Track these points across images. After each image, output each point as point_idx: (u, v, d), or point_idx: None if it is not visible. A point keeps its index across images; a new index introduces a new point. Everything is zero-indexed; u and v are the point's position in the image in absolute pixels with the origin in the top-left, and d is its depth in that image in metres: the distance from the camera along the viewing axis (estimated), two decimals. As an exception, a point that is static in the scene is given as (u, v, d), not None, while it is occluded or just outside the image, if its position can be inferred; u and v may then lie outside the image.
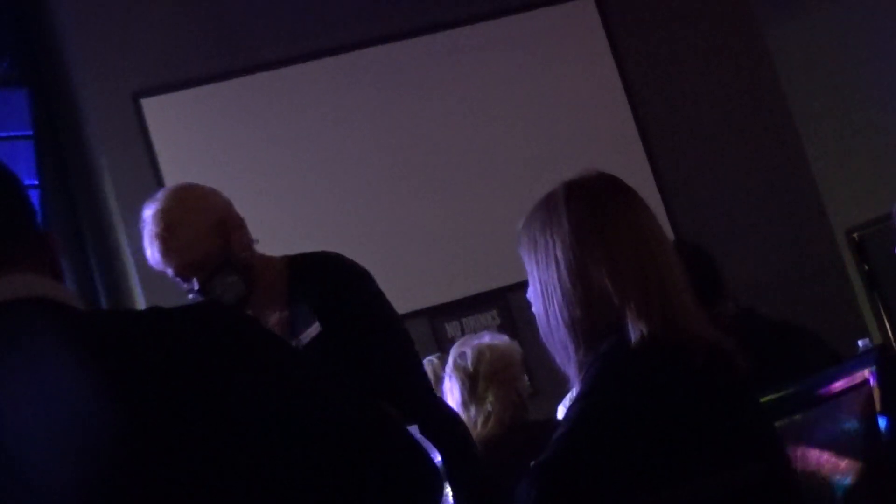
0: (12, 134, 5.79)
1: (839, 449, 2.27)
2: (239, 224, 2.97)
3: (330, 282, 2.95)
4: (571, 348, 2.10)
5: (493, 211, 5.82)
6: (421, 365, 3.08)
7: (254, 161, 5.64)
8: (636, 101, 6.20)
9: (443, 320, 5.79)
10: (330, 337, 2.85)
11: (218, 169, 5.30)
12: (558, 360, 2.16)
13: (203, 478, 1.38)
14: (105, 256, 5.78)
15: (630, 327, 2.05)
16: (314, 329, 2.87)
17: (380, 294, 2.99)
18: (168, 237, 2.91)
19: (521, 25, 6.13)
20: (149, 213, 2.96)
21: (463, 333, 5.67)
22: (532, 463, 2.03)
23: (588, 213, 2.14)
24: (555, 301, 2.12)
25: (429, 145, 5.92)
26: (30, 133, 5.77)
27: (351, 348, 2.83)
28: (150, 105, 5.69)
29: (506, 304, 5.81)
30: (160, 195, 3.01)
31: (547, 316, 2.14)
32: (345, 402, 1.51)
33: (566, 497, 1.99)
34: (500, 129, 6.01)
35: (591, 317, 2.08)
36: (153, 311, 1.52)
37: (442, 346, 5.20)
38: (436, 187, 5.90)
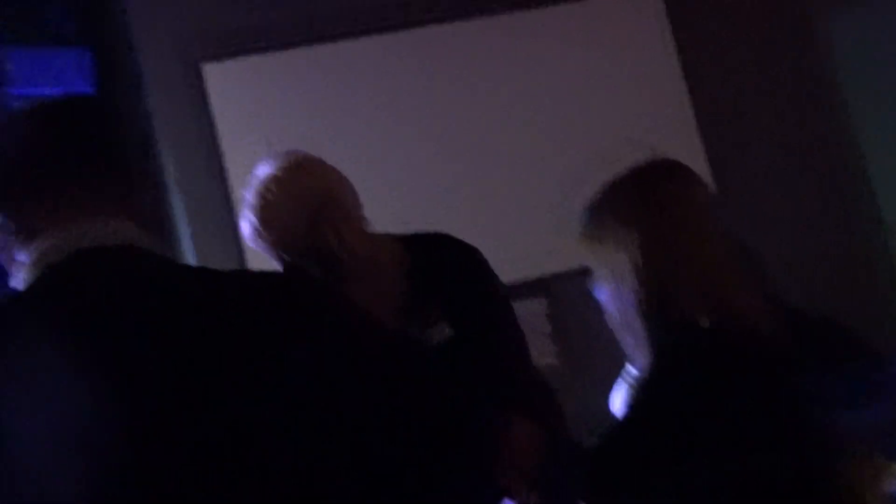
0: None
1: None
2: (343, 212, 2.89)
3: (456, 270, 2.90)
4: (640, 335, 2.10)
5: (544, 197, 5.79)
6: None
7: (312, 133, 5.64)
8: (694, 91, 6.14)
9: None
10: (461, 338, 2.79)
11: (276, 138, 5.29)
12: (626, 347, 2.16)
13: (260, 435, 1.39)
14: (157, 221, 5.80)
15: (695, 316, 2.04)
16: (442, 330, 2.80)
17: (497, 281, 2.97)
18: (263, 215, 2.86)
19: (580, 10, 6.09)
20: (255, 180, 2.92)
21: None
22: (595, 442, 2.04)
23: (657, 198, 2.13)
24: (624, 286, 2.11)
25: (485, 128, 5.90)
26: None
27: (479, 342, 2.79)
28: (211, 71, 5.70)
29: (553, 292, 5.78)
30: (273, 163, 2.96)
31: (615, 301, 2.14)
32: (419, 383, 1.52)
33: (624, 482, 1.99)
34: (554, 114, 5.97)
35: (658, 303, 2.08)
36: (239, 271, 1.55)
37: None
38: (488, 170, 5.87)
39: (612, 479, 2.00)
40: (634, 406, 2.10)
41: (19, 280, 1.50)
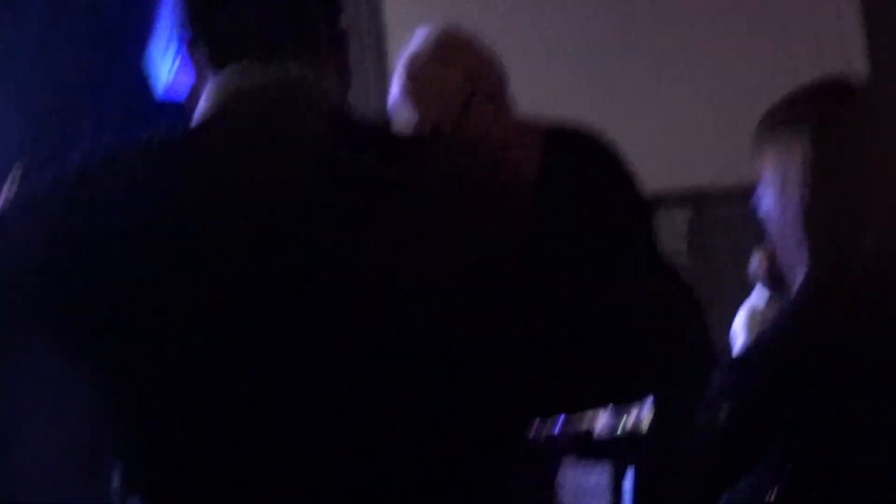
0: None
1: None
2: (488, 91, 2.84)
3: (595, 179, 2.83)
4: (802, 251, 2.07)
5: (705, 109, 5.71)
6: None
7: (483, 12, 5.59)
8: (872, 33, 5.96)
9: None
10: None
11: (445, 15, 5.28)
12: (784, 262, 2.13)
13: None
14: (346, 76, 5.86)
15: (869, 236, 2.01)
16: None
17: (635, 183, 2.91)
18: (410, 87, 2.76)
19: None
20: (412, 44, 2.83)
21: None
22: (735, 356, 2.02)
23: (833, 115, 2.10)
24: (792, 201, 2.08)
25: (654, 28, 5.82)
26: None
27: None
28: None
29: (699, 206, 5.72)
30: (424, 34, 2.88)
31: (783, 215, 2.11)
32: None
33: (761, 393, 1.98)
34: (726, 31, 5.86)
35: (831, 216, 2.05)
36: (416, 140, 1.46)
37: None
38: (650, 72, 5.80)
39: (751, 392, 1.98)
40: (780, 324, 2.06)
41: (198, 112, 1.45)
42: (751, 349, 2.07)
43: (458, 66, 2.78)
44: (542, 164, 1.52)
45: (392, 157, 1.38)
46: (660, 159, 5.62)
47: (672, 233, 5.70)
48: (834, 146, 2.04)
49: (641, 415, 2.95)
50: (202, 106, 1.44)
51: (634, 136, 5.47)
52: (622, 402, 1.49)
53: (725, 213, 5.64)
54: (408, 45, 2.83)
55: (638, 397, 1.64)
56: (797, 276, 2.07)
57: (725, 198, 5.63)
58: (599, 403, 1.51)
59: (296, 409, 1.28)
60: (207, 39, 1.46)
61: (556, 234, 1.40)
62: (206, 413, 1.29)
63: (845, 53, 5.81)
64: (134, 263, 1.31)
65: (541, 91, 3.22)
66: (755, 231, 3.35)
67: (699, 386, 1.79)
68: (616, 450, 2.62)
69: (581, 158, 2.79)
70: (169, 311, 1.30)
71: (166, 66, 1.50)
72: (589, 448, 2.43)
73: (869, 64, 5.83)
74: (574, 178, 2.53)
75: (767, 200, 2.13)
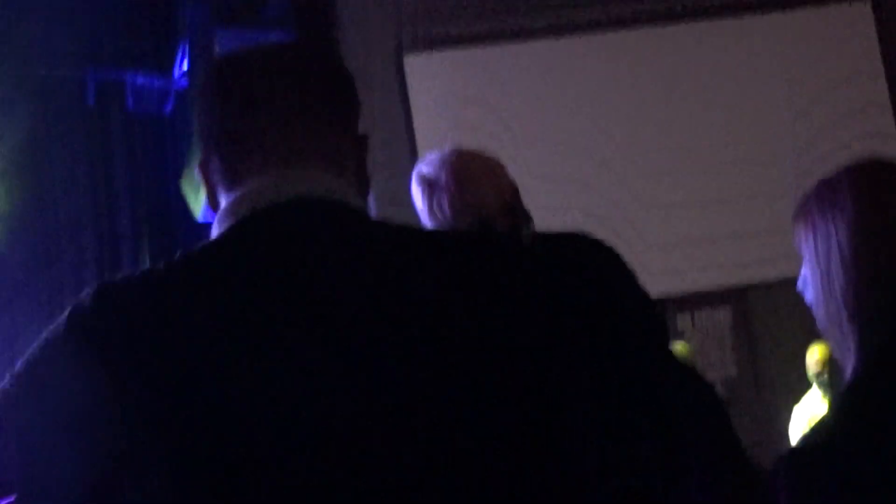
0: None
1: None
2: (527, 212, 2.82)
3: (593, 272, 2.80)
4: (852, 337, 2.04)
5: (739, 206, 5.68)
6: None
7: (507, 129, 5.63)
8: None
9: (675, 311, 5.68)
10: None
11: (471, 134, 5.32)
12: (837, 352, 2.10)
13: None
14: (365, 183, 5.88)
15: None
16: None
17: (639, 284, 2.86)
18: (471, 183, 2.71)
19: (788, 20, 5.94)
20: (439, 162, 2.78)
21: (694, 328, 5.56)
22: (789, 449, 1.98)
23: (874, 196, 2.07)
24: (837, 285, 2.05)
25: (682, 133, 5.81)
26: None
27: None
28: (412, 62, 5.75)
29: (744, 302, 5.66)
30: (452, 149, 2.85)
31: (826, 303, 2.07)
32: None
33: (818, 487, 1.93)
34: (754, 123, 5.84)
35: (874, 302, 2.02)
36: (466, 235, 1.41)
37: (672, 338, 5.12)
38: (682, 176, 5.78)
39: (811, 481, 1.93)
40: (838, 409, 2.01)
41: (217, 226, 1.38)
42: (806, 446, 2.02)
43: (502, 173, 2.78)
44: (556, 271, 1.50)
45: (437, 253, 1.34)
46: (701, 258, 5.60)
47: (716, 329, 5.64)
48: (877, 228, 2.02)
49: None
50: (221, 224, 1.39)
51: (678, 237, 5.42)
52: None
53: (770, 308, 5.59)
54: (425, 164, 2.83)
55: None
56: (848, 369, 2.03)
57: (768, 292, 5.58)
58: None
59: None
60: (221, 154, 1.42)
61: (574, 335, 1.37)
62: None
63: (877, 130, 5.79)
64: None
65: (573, 198, 3.22)
66: (802, 323, 3.28)
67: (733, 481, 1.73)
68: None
69: (589, 264, 2.76)
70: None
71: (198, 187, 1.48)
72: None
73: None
74: (584, 282, 2.48)
75: (811, 288, 2.09)
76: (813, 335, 5.45)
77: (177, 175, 5.20)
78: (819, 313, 2.07)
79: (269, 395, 1.24)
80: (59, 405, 1.30)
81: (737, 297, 5.67)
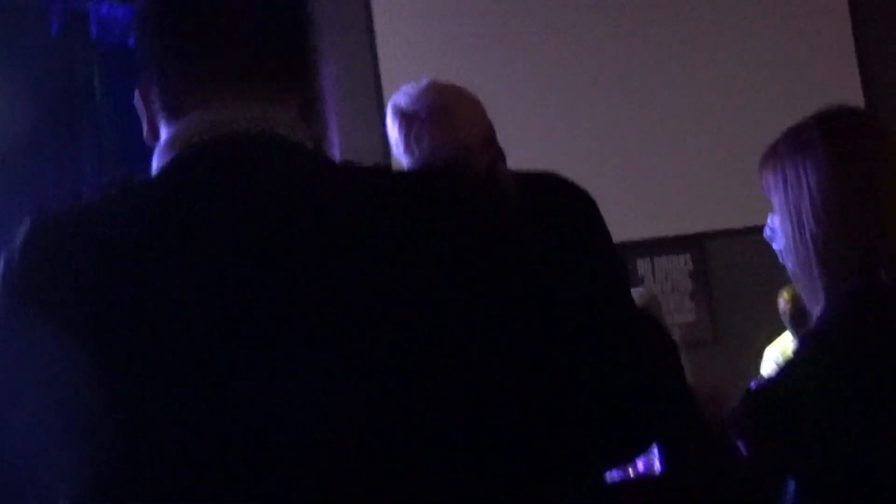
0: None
1: None
2: (500, 150, 2.78)
3: (564, 215, 2.80)
4: (820, 283, 2.05)
5: (700, 155, 5.71)
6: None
7: (476, 69, 5.60)
8: (866, 59, 5.96)
9: (634, 257, 5.72)
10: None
11: (438, 75, 5.28)
12: (806, 297, 2.11)
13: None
14: (317, 116, 5.84)
15: (883, 267, 1.99)
16: None
17: (607, 230, 2.85)
18: (447, 115, 2.61)
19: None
20: (416, 95, 2.64)
21: (654, 274, 5.60)
22: (751, 385, 1.99)
23: (846, 143, 2.08)
24: (807, 232, 2.06)
25: (648, 79, 5.82)
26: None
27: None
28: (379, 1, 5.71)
29: (701, 250, 5.71)
30: (429, 83, 2.78)
31: (796, 248, 2.08)
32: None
33: (780, 427, 1.95)
34: (723, 76, 5.86)
35: (845, 250, 2.03)
36: (418, 174, 1.38)
37: (631, 283, 5.15)
38: (646, 121, 5.80)
39: (773, 420, 1.94)
40: (796, 352, 2.03)
41: (157, 159, 1.35)
42: (767, 387, 2.04)
43: (480, 110, 2.74)
44: (526, 209, 1.47)
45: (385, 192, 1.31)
46: (661, 205, 5.63)
47: (676, 275, 5.68)
48: (848, 176, 2.03)
49: (651, 459, 2.93)
50: (161, 157, 1.36)
51: (634, 183, 5.47)
52: (625, 457, 1.42)
53: (729, 256, 5.63)
54: (402, 95, 2.77)
55: (640, 450, 1.58)
56: (815, 314, 2.05)
57: (728, 240, 5.63)
58: (604, 462, 1.43)
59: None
60: (162, 84, 1.38)
61: (540, 269, 1.34)
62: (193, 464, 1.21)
63: (841, 94, 5.81)
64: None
65: (535, 141, 3.23)
66: (758, 272, 3.33)
67: (691, 427, 1.75)
68: (629, 494, 2.60)
69: (560, 203, 2.75)
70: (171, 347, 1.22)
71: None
72: (602, 493, 2.41)
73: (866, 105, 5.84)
74: (555, 220, 2.48)
75: (781, 235, 2.11)
76: (769, 283, 5.51)
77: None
78: (789, 259, 2.08)
79: (207, 334, 1.22)
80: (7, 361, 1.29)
81: (695, 244, 5.70)
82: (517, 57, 5.72)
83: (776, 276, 2.60)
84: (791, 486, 1.94)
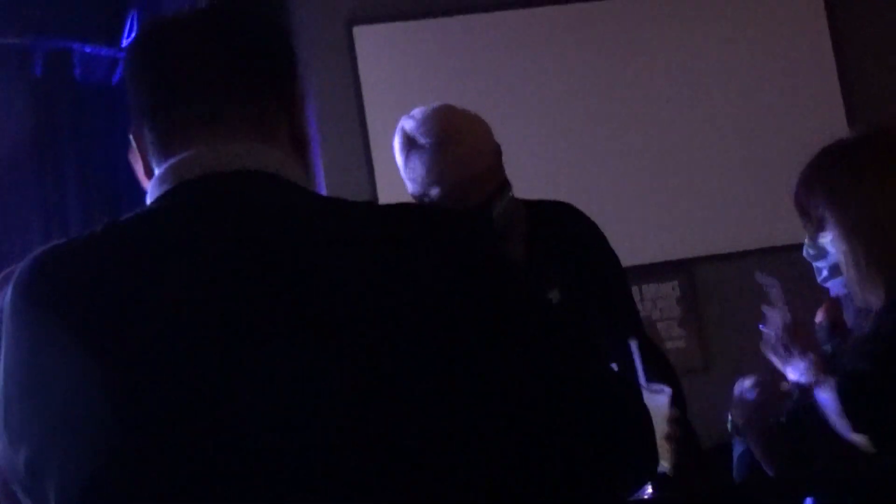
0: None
1: None
2: (503, 172, 2.72)
3: (576, 242, 2.77)
4: (880, 291, 2.10)
5: (687, 181, 5.72)
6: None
7: (458, 102, 5.60)
8: (846, 73, 5.98)
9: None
10: (570, 306, 2.59)
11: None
12: (860, 304, 2.17)
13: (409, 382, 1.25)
14: (304, 152, 5.83)
15: None
16: (553, 296, 2.62)
17: (615, 254, 2.84)
18: (451, 145, 2.61)
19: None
20: (423, 118, 2.68)
21: (642, 301, 5.60)
22: (839, 374, 2.04)
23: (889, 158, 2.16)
24: (863, 242, 2.11)
25: (632, 107, 5.83)
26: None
27: (589, 315, 2.63)
28: (362, 34, 5.73)
29: (690, 276, 5.71)
30: (438, 106, 2.74)
31: (854, 259, 2.14)
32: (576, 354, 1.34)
33: (877, 411, 1.99)
34: (707, 98, 5.87)
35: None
36: (402, 207, 1.37)
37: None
38: (632, 149, 5.81)
39: (864, 409, 1.99)
40: (880, 340, 2.09)
41: (150, 195, 1.40)
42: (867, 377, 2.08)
43: (489, 137, 2.71)
44: (528, 230, 1.47)
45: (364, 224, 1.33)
46: (648, 232, 5.64)
47: (665, 302, 5.68)
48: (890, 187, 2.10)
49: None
50: (153, 192, 1.39)
51: (619, 210, 5.47)
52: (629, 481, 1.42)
53: (717, 281, 5.64)
54: (410, 120, 2.72)
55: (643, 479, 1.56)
56: (870, 311, 2.11)
57: (716, 265, 5.63)
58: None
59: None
60: (151, 125, 1.41)
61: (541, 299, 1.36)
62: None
63: (824, 120, 5.84)
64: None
65: (517, 168, 3.22)
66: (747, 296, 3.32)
67: None
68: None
69: (563, 226, 2.76)
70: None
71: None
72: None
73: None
74: (556, 241, 2.50)
75: (837, 248, 2.15)
76: (759, 308, 5.51)
77: (125, 144, 5.13)
78: (847, 268, 2.14)
79: (200, 358, 1.24)
80: (14, 369, 1.31)
81: (683, 270, 5.71)
82: (499, 83, 5.73)
83: (766, 300, 2.61)
84: None
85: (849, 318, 2.32)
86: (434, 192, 2.63)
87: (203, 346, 1.26)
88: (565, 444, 1.30)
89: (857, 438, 2.03)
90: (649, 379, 2.27)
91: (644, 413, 1.38)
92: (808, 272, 2.63)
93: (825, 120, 5.70)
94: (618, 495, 1.43)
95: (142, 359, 1.25)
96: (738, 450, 2.44)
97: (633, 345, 2.24)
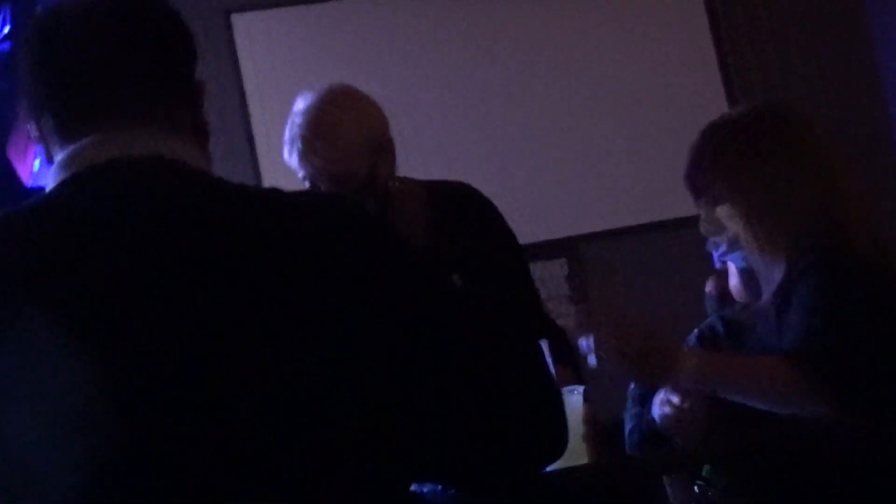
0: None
1: None
2: (390, 147, 2.78)
3: (476, 222, 2.80)
4: (781, 265, 2.12)
5: (571, 159, 5.77)
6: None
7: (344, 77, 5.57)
8: (722, 47, 6.07)
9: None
10: (472, 289, 2.63)
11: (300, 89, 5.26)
12: (763, 279, 2.18)
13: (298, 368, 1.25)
14: (202, 136, 5.78)
15: (840, 242, 2.07)
16: (455, 279, 2.63)
17: (514, 236, 2.88)
18: (320, 143, 2.67)
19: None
20: (304, 109, 2.72)
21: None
22: (796, 347, 2.04)
23: (795, 131, 2.17)
24: (762, 213, 2.13)
25: (514, 88, 5.86)
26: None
27: (491, 294, 2.65)
28: (240, 21, 5.68)
29: (576, 254, 5.76)
30: (321, 94, 2.77)
31: (753, 231, 2.15)
32: (474, 321, 1.37)
33: (848, 385, 2.00)
34: (587, 80, 5.92)
35: (804, 229, 2.11)
36: (276, 192, 1.37)
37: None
38: (514, 129, 5.84)
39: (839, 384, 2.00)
40: (831, 310, 2.09)
41: (50, 182, 1.39)
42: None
43: (363, 125, 2.74)
44: (429, 212, 1.47)
45: (265, 212, 1.34)
46: (534, 211, 5.68)
47: (553, 280, 5.73)
48: (802, 160, 2.12)
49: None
50: (54, 178, 1.39)
51: (504, 190, 5.52)
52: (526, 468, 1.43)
53: (604, 258, 5.70)
54: (301, 100, 2.74)
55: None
56: (773, 281, 2.13)
57: (602, 242, 5.69)
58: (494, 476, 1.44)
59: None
60: (52, 111, 1.41)
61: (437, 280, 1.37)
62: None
63: (703, 98, 5.92)
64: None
65: (416, 149, 3.23)
66: (639, 271, 3.36)
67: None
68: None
69: (462, 207, 2.79)
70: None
71: (29, 153, 1.46)
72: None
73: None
74: (456, 223, 2.52)
75: (735, 220, 2.17)
76: (646, 283, 5.58)
77: (3, 139, 5.06)
78: (749, 242, 2.15)
79: (93, 344, 1.24)
80: None
81: (570, 248, 5.76)
82: (380, 68, 5.73)
83: (653, 275, 2.65)
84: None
85: (741, 288, 2.34)
86: (302, 174, 2.68)
87: (100, 331, 1.25)
88: (474, 424, 1.32)
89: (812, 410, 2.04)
90: (557, 362, 2.28)
91: (552, 390, 1.40)
92: (693, 245, 2.66)
93: (704, 98, 5.79)
94: (528, 473, 1.44)
95: (31, 346, 1.24)
96: (629, 425, 2.46)
97: (543, 344, 2.25)
